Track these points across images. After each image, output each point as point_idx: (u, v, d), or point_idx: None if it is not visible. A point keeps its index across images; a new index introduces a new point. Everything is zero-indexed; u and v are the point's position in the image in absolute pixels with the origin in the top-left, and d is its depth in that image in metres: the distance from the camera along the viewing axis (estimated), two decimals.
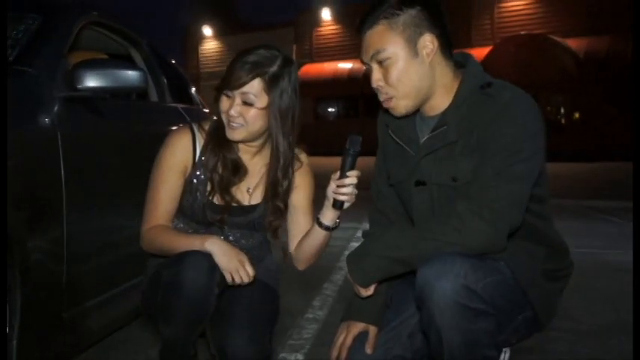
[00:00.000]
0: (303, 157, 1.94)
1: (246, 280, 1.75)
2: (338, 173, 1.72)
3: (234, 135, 1.83)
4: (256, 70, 1.78)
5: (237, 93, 1.79)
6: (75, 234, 2.03)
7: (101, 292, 2.30)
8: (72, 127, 2.03)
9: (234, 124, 1.81)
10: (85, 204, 2.11)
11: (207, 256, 1.74)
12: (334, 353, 1.77)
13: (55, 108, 1.99)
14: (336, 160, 1.72)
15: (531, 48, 20.22)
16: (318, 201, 1.84)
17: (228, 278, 1.75)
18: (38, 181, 1.91)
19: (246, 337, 1.79)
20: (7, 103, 1.08)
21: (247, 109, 1.79)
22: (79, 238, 2.08)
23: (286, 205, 1.91)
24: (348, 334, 1.78)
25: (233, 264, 1.74)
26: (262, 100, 1.79)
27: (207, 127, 1.90)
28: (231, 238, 1.90)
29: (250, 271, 1.76)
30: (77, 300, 2.11)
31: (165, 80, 3.10)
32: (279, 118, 1.82)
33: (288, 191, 1.90)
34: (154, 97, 3.02)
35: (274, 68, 1.80)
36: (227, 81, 1.79)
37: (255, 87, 1.78)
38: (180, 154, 1.86)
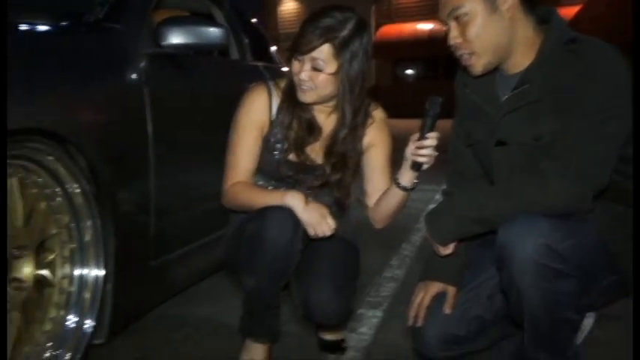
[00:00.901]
0: (377, 113, 1.93)
1: (327, 232, 1.77)
2: (417, 135, 1.71)
3: (304, 97, 1.84)
4: (326, 35, 1.76)
5: (306, 57, 1.79)
6: (162, 188, 2.12)
7: (186, 243, 2.40)
8: (157, 83, 2.10)
9: (304, 87, 1.81)
10: (171, 159, 2.18)
11: (290, 211, 1.77)
12: (412, 312, 1.78)
13: (142, 64, 2.06)
14: (415, 123, 1.70)
15: (624, 7, 19.08)
16: (397, 162, 1.84)
17: (310, 232, 1.78)
18: (126, 136, 1.99)
19: (331, 290, 1.82)
20: (6, 100, 1.16)
21: (317, 74, 1.79)
22: (166, 192, 2.17)
23: (352, 166, 1.90)
24: (426, 293, 1.78)
25: (314, 217, 1.77)
26: (331, 66, 1.78)
27: (283, 85, 1.92)
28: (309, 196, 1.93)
29: (332, 223, 1.78)
30: (163, 250, 2.21)
31: (245, 39, 3.15)
32: (347, 85, 1.81)
33: (354, 153, 1.89)
34: (234, 55, 3.07)
35: (345, 33, 1.77)
36: (297, 44, 1.78)
37: (324, 52, 1.77)
38: (256, 112, 1.89)
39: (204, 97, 2.45)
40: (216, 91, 2.55)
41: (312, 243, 1.89)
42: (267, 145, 1.91)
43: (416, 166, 1.73)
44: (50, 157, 1.71)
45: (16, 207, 1.66)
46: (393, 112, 2.08)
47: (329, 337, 2.14)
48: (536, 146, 1.62)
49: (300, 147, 1.88)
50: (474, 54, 1.65)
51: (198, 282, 2.63)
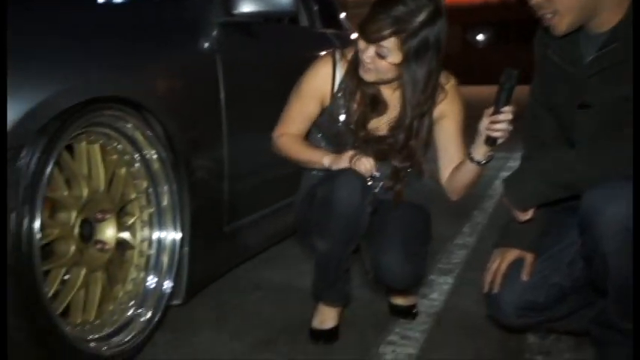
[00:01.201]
0: (449, 85, 1.87)
1: (368, 166, 1.75)
2: (492, 109, 1.66)
3: (365, 76, 1.81)
4: (395, 26, 1.69)
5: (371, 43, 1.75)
6: (234, 154, 2.17)
7: (258, 209, 2.45)
8: (229, 50, 2.13)
9: (366, 67, 1.78)
10: (243, 126, 2.22)
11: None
12: (488, 279, 1.76)
13: (214, 33, 2.10)
14: (485, 89, 1.65)
15: None
16: (469, 128, 1.81)
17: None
18: (200, 103, 2.04)
19: (402, 254, 1.82)
20: (6, 95, 1.20)
21: (380, 59, 1.74)
22: (239, 158, 2.21)
23: (421, 138, 1.86)
24: (502, 260, 1.75)
25: (344, 162, 1.77)
26: (396, 57, 1.73)
27: (350, 55, 1.89)
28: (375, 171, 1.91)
29: (367, 161, 1.76)
30: (236, 215, 2.26)
31: (314, 6, 3.14)
32: (410, 81, 1.75)
33: (423, 127, 1.84)
34: (304, 22, 3.07)
35: (416, 24, 1.69)
36: (364, 29, 1.73)
37: (390, 42, 1.71)
38: (318, 82, 1.88)
39: (275, 65, 2.46)
40: (286, 58, 2.56)
41: (383, 208, 1.90)
42: (330, 114, 1.90)
43: (490, 140, 1.69)
44: (129, 125, 1.77)
45: (99, 172, 1.74)
46: (462, 79, 2.03)
47: (400, 302, 2.15)
48: (622, 109, 1.55)
49: (362, 122, 1.86)
50: (557, 13, 1.58)
51: (271, 247, 2.69)
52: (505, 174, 1.72)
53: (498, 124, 1.66)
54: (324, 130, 1.94)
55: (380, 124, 1.89)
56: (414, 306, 2.16)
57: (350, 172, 1.77)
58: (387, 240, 1.84)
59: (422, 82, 1.77)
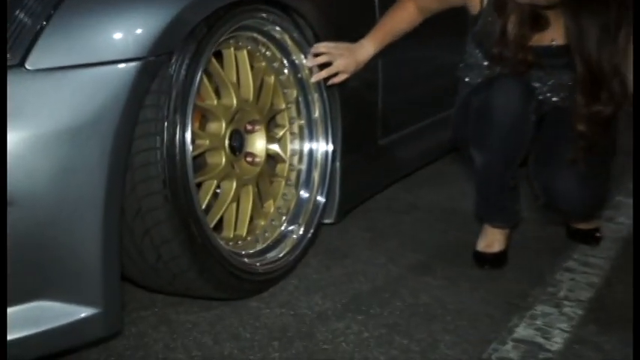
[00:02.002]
0: None
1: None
2: None
3: None
4: None
5: None
6: (388, 62, 2.13)
7: (413, 122, 2.42)
8: None
9: None
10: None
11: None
12: None
13: None
14: None
15: None
16: None
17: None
18: (353, 5, 2.01)
19: (579, 177, 1.71)
20: (6, 98, 1.19)
21: None
22: (393, 67, 2.17)
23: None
24: None
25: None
26: None
27: None
28: (537, 80, 1.82)
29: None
30: (391, 129, 2.24)
31: None
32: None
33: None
34: None
35: None
36: None
37: None
38: None
39: None
40: None
41: (553, 116, 1.80)
42: (483, 27, 1.80)
43: None
44: (277, 28, 1.77)
45: (247, 80, 1.76)
46: None
47: (581, 225, 2.05)
48: None
49: (519, 40, 1.73)
50: None
51: (428, 165, 2.66)
52: None
53: None
54: (479, 42, 1.85)
55: (539, 40, 1.76)
56: (597, 229, 2.05)
57: (509, 76, 1.70)
58: (559, 158, 1.73)
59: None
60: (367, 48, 1.84)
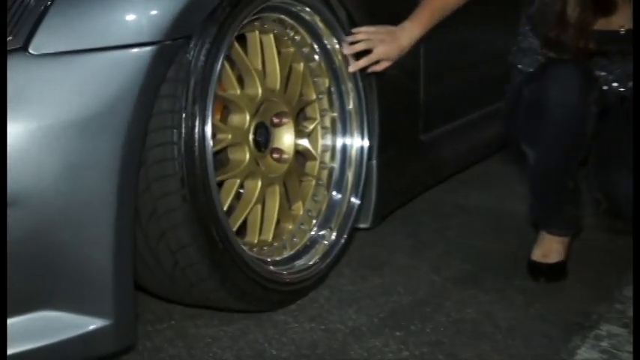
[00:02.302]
0: None
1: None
2: None
3: None
4: None
5: None
6: (432, 46, 2.12)
7: (459, 115, 2.42)
8: None
9: None
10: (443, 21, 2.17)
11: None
12: None
13: None
14: None
15: None
16: None
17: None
18: None
19: None
20: (6, 97, 1.19)
21: None
22: (437, 52, 2.17)
23: None
24: None
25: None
26: None
27: None
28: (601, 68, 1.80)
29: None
30: (435, 122, 2.24)
31: None
32: None
33: None
34: None
35: None
36: None
37: None
38: None
39: None
40: None
41: (619, 109, 1.78)
42: (542, 7, 1.79)
43: None
44: (307, 9, 1.76)
45: (274, 68, 1.75)
46: None
47: None
48: None
49: (582, 28, 1.72)
50: None
51: (474, 164, 2.65)
52: None
53: None
54: (535, 24, 1.84)
55: (606, 24, 1.75)
56: None
57: (567, 64, 1.69)
58: (625, 158, 1.71)
59: None
60: (412, 31, 1.82)
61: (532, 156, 1.77)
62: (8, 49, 1.22)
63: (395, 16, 1.89)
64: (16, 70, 1.22)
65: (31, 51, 1.23)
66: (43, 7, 1.26)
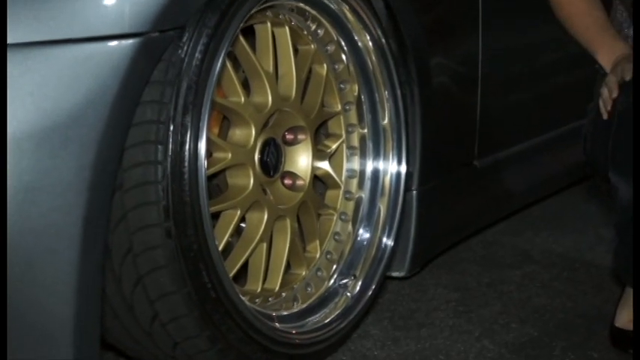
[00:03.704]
0: None
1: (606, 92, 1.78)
2: None
3: None
4: None
5: None
6: (492, 53, 2.15)
7: (525, 136, 2.43)
8: None
9: None
10: (511, 6, 2.22)
11: None
12: None
13: None
14: None
15: None
16: None
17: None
18: None
19: None
20: (6, 98, 1.20)
21: None
22: (498, 59, 2.20)
23: None
24: None
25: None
26: None
27: None
28: None
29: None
30: (493, 145, 2.25)
31: None
32: None
33: None
34: None
35: None
36: None
37: None
38: None
39: None
40: None
41: None
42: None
43: None
44: None
45: (289, 70, 1.76)
46: None
47: None
48: None
49: None
50: None
51: (544, 198, 2.65)
52: None
53: None
54: (628, 8, 1.87)
55: None
56: None
57: None
58: None
59: None
60: (618, 46, 1.88)
61: (623, 190, 1.77)
62: None
63: (441, 5, 1.91)
64: None
65: None
66: None
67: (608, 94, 1.78)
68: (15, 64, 1.26)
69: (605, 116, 1.79)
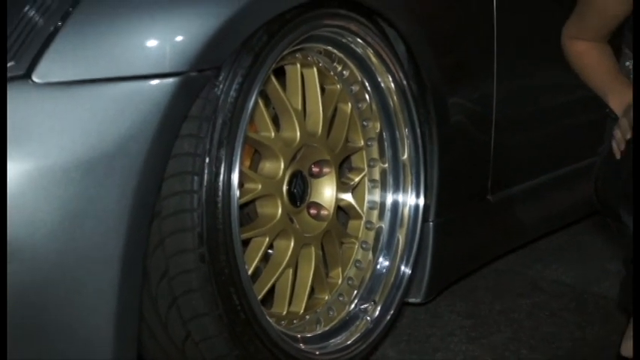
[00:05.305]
0: None
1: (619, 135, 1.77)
2: None
3: None
4: None
5: None
6: (506, 93, 2.15)
7: (537, 173, 2.41)
8: None
9: None
10: (524, 49, 2.22)
11: None
12: None
13: None
14: None
15: None
16: None
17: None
18: (462, 13, 2.04)
19: None
20: (6, 95, 1.21)
21: None
22: (512, 99, 2.19)
23: None
24: None
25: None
26: None
27: None
28: None
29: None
30: (506, 180, 2.24)
31: None
32: None
33: None
34: None
35: None
36: None
37: None
38: None
39: None
40: None
41: None
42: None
43: None
44: (359, 40, 1.78)
45: (316, 108, 1.77)
46: None
47: None
48: None
49: None
50: None
51: (554, 232, 2.63)
52: None
53: None
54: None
55: None
56: None
57: None
58: None
59: None
60: (628, 91, 1.87)
61: (632, 226, 1.73)
62: (9, 75, 1.25)
63: (458, 50, 1.91)
64: (17, 101, 1.25)
65: (34, 79, 1.27)
66: (52, 29, 1.29)
67: (621, 136, 1.78)
68: (66, 100, 1.28)
69: (617, 155, 1.79)
